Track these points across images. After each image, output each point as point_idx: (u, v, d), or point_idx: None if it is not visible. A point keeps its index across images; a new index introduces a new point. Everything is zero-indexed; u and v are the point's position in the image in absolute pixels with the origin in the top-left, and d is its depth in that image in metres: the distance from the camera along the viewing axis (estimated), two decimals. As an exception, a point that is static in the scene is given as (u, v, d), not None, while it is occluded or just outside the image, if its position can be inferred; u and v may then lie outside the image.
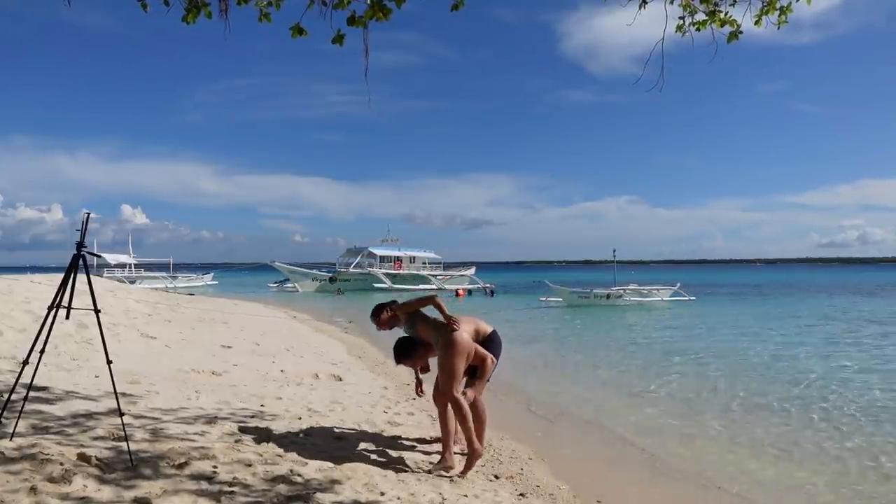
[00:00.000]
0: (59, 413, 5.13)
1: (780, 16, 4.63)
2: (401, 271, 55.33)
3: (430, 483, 4.49)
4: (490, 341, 5.18)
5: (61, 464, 3.77)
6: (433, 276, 55.93)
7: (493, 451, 5.63)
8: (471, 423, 4.83)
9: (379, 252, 55.19)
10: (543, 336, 18.14)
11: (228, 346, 11.36)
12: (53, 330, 4.32)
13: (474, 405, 5.40)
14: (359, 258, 53.91)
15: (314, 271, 53.16)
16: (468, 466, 4.80)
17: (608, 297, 29.86)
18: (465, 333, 4.90)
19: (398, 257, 56.80)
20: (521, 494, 4.59)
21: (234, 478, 4.00)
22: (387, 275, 52.93)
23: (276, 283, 53.42)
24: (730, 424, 7.56)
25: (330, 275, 51.74)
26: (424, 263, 59.09)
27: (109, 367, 4.38)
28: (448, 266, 61.51)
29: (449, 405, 4.86)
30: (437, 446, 5.38)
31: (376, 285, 50.42)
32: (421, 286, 51.80)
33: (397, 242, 58.51)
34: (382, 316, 5.27)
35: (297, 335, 15.56)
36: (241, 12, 4.57)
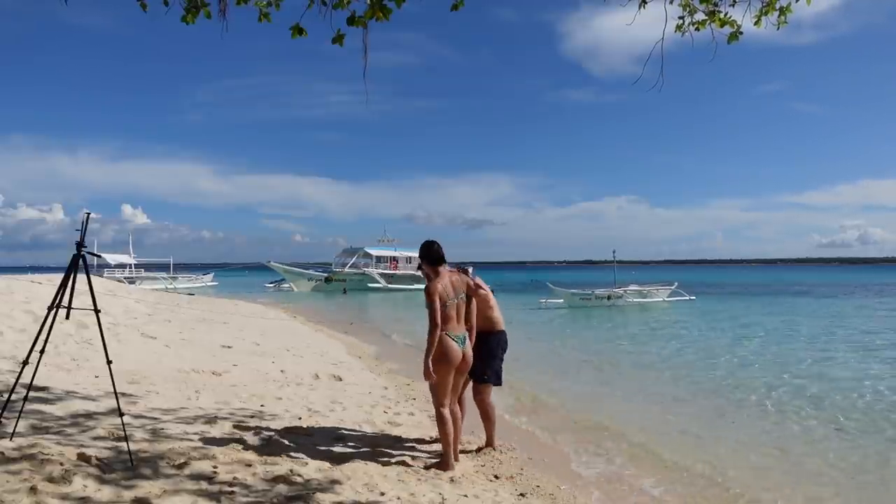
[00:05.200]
0: (58, 413, 5.13)
1: (779, 16, 4.64)
2: (397, 271, 55.29)
3: (430, 483, 4.49)
4: (503, 335, 5.56)
5: (61, 464, 3.78)
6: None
7: (494, 451, 5.62)
8: (449, 434, 4.86)
9: (375, 252, 55.11)
10: (544, 336, 18.13)
11: (228, 346, 11.36)
12: (53, 330, 4.32)
13: (484, 407, 5.43)
14: (354, 258, 53.91)
15: (309, 271, 53.18)
16: (437, 466, 4.82)
17: (609, 297, 29.86)
18: (455, 346, 4.80)
19: (394, 257, 56.73)
20: (521, 494, 4.59)
21: (234, 478, 4.00)
22: (382, 275, 52.93)
23: (272, 283, 53.50)
24: (730, 423, 7.56)
25: (326, 274, 51.77)
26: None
27: (109, 368, 4.38)
28: None
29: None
30: (437, 446, 5.39)
31: (371, 285, 50.53)
32: (417, 286, 51.80)
33: (394, 243, 58.45)
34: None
35: (297, 335, 15.56)
36: (241, 12, 4.58)
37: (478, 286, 5.33)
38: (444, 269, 4.94)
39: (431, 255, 4.94)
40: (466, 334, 4.95)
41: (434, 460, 4.99)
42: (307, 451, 4.88)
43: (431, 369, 4.76)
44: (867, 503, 5.13)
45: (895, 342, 15.80)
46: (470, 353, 4.95)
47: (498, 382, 5.56)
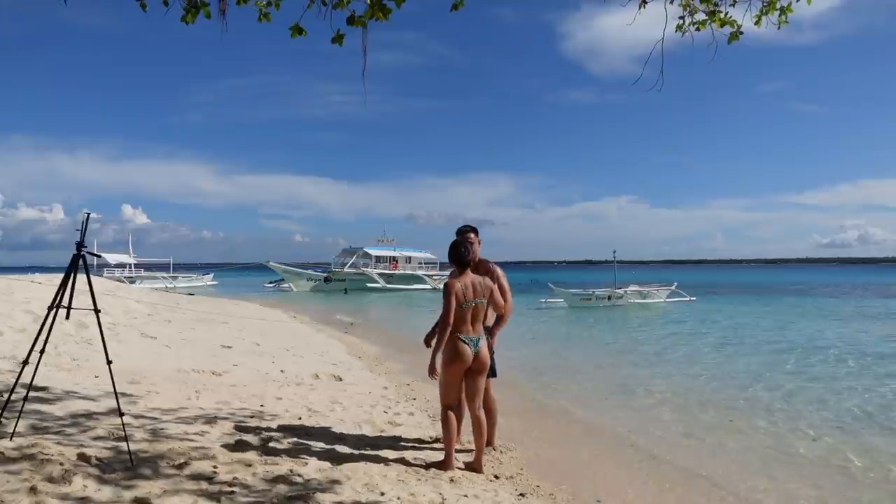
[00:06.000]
0: (58, 413, 5.13)
1: (780, 16, 4.64)
2: (396, 271, 55.33)
3: (430, 483, 4.48)
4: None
5: (61, 464, 3.77)
6: (429, 276, 55.91)
7: (494, 451, 5.62)
8: (452, 434, 4.87)
9: (374, 252, 55.14)
10: (544, 336, 18.13)
11: (228, 346, 11.35)
12: (53, 330, 4.32)
13: (487, 401, 5.41)
14: (354, 258, 53.98)
15: (308, 271, 53.32)
16: (438, 465, 4.84)
17: (609, 298, 29.89)
18: (465, 349, 4.77)
19: (394, 257, 56.74)
20: (521, 494, 4.59)
21: (234, 478, 4.00)
22: (381, 275, 52.99)
23: (272, 282, 53.59)
24: (730, 424, 7.56)
25: (325, 274, 51.85)
26: (420, 263, 59.01)
27: (109, 367, 4.38)
28: (444, 266, 61.41)
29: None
30: (438, 446, 5.38)
31: (370, 285, 50.62)
32: (416, 286, 51.90)
33: (393, 243, 58.46)
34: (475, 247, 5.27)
35: (297, 335, 15.56)
36: (241, 12, 4.58)
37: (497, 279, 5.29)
38: (469, 270, 4.92)
39: (451, 257, 4.92)
40: (482, 336, 4.90)
41: (434, 459, 4.99)
42: (307, 451, 4.87)
43: (439, 369, 4.77)
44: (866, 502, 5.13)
45: (893, 343, 15.80)
46: (485, 352, 4.90)
47: (493, 374, 5.53)
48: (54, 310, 4.26)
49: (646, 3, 4.84)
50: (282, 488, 3.93)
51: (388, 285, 51.65)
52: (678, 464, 5.90)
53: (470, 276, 4.87)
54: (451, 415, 4.84)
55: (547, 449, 6.16)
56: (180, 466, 4.09)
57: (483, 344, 4.89)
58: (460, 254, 4.88)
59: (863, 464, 6.01)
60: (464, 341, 4.76)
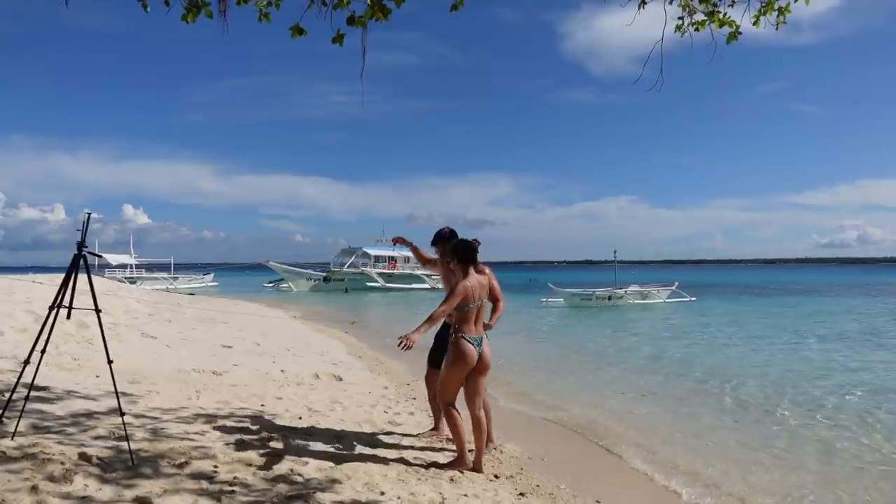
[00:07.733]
0: (59, 412, 5.14)
1: (778, 16, 4.65)
2: (395, 271, 55.35)
3: (430, 483, 4.49)
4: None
5: (62, 463, 3.79)
6: (427, 275, 55.91)
7: (495, 449, 5.63)
8: (462, 432, 4.87)
9: (373, 252, 55.14)
10: (543, 336, 18.14)
11: (229, 346, 11.37)
12: (54, 330, 4.33)
13: (485, 405, 5.40)
14: (353, 258, 54.04)
15: (308, 271, 53.42)
16: (451, 465, 4.85)
17: (609, 298, 29.88)
18: (471, 349, 4.77)
19: (392, 257, 56.75)
20: (521, 494, 4.60)
21: (235, 477, 4.01)
22: (380, 274, 53.05)
23: (271, 282, 53.65)
24: (730, 425, 7.57)
25: (325, 274, 51.93)
26: (419, 263, 58.98)
27: (110, 367, 4.39)
28: None
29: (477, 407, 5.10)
30: (437, 445, 5.39)
31: (369, 284, 50.70)
32: (415, 286, 51.95)
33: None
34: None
35: (298, 335, 15.57)
36: (241, 12, 4.59)
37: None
38: (472, 270, 4.90)
39: (459, 255, 4.86)
40: (484, 335, 4.91)
41: (434, 459, 5.00)
42: (307, 451, 4.88)
43: (448, 369, 4.78)
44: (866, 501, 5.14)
45: (893, 341, 15.82)
46: (488, 353, 4.91)
47: None
48: (55, 310, 4.27)
49: (645, 3, 4.86)
50: (282, 488, 3.94)
51: (388, 285, 51.71)
52: (678, 464, 5.90)
53: (475, 276, 4.88)
54: (455, 412, 4.84)
55: (546, 449, 6.16)
56: (181, 466, 4.11)
57: (486, 344, 4.91)
58: (471, 250, 4.86)
59: (866, 461, 6.03)
60: (469, 341, 4.77)
